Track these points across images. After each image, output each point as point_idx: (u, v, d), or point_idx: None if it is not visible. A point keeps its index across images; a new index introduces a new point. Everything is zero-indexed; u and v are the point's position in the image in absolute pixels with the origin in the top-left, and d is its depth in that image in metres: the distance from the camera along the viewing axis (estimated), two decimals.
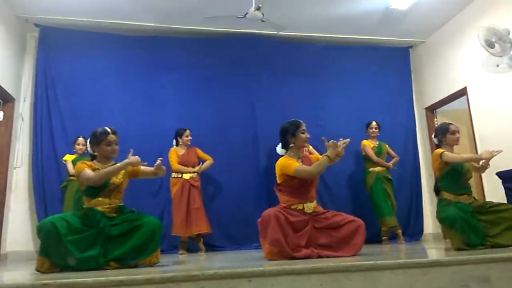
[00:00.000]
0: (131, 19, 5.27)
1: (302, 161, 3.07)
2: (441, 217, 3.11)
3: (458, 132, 3.32)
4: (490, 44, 4.51)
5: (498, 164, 3.47)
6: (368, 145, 5.15)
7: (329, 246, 2.80)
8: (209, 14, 5.00)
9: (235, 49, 5.68)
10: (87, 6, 4.91)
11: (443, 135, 3.33)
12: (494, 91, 4.85)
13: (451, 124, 3.35)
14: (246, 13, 4.66)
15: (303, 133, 3.09)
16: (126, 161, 2.77)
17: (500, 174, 4.02)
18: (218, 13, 4.99)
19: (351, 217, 2.90)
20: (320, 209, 3.03)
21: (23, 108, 5.13)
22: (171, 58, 5.52)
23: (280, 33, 5.52)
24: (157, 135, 5.19)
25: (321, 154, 5.14)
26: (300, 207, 2.95)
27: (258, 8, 4.61)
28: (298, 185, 2.97)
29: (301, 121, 3.16)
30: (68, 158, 4.67)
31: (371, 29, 5.77)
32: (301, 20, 5.47)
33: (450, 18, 5.54)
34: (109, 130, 2.85)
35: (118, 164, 2.76)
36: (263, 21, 4.78)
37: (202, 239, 4.77)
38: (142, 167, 2.98)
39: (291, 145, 3.08)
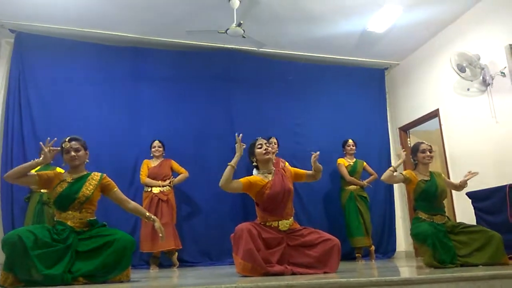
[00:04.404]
0: (112, 29, 5.22)
1: (274, 176, 3.06)
2: (414, 233, 3.17)
3: (430, 150, 3.40)
4: (461, 69, 4.70)
5: (469, 184, 3.58)
6: (343, 164, 5.20)
7: (304, 265, 2.78)
8: (191, 28, 5.02)
9: (216, 63, 5.70)
10: (67, 14, 4.84)
11: (415, 154, 3.44)
12: (465, 114, 5.03)
13: (422, 143, 3.45)
14: (228, 29, 4.70)
15: (259, 148, 3.10)
16: (38, 160, 2.66)
17: (470, 195, 4.14)
18: (200, 27, 5.02)
19: (327, 235, 2.89)
20: (297, 226, 3.02)
21: None
22: (151, 69, 5.48)
23: (260, 49, 5.59)
24: (133, 146, 5.11)
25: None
26: (274, 224, 2.94)
27: (239, 25, 4.66)
28: (268, 201, 2.96)
29: (258, 137, 3.19)
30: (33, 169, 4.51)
31: (348, 50, 5.92)
32: (281, 39, 5.57)
33: (424, 42, 5.76)
34: (66, 138, 2.80)
35: (29, 162, 2.65)
36: (244, 37, 4.84)
37: (176, 254, 4.67)
38: (117, 192, 2.86)
39: (254, 164, 3.14)
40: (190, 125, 5.42)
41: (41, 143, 2.75)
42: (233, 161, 2.93)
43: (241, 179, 2.98)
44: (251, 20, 4.93)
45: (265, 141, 3.15)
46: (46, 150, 2.71)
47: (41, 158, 2.69)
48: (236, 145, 2.98)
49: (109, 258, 2.52)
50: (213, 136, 5.45)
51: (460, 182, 3.50)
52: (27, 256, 2.33)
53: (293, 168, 3.31)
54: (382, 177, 3.38)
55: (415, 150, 3.45)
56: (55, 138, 2.79)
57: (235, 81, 5.73)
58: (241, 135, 3.00)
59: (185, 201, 5.15)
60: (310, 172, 3.18)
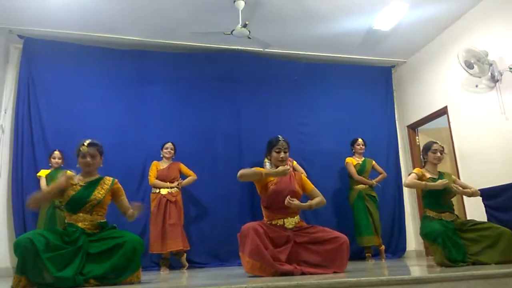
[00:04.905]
0: (118, 33, 5.26)
1: (281, 177, 3.06)
2: (425, 232, 3.15)
3: (441, 151, 3.37)
4: (469, 65, 4.65)
5: (479, 182, 3.55)
6: (351, 162, 5.17)
7: (313, 264, 2.77)
8: (197, 30, 5.04)
9: (221, 64, 5.72)
10: (74, 19, 4.89)
11: (425, 153, 3.42)
12: (474, 111, 4.98)
13: (435, 143, 3.42)
14: (233, 30, 4.71)
15: (277, 152, 3.09)
16: (54, 184, 2.70)
17: (480, 192, 4.09)
18: (206, 29, 5.04)
19: (335, 233, 2.88)
20: (304, 224, 3.02)
21: (4, 120, 5.02)
22: (157, 72, 5.51)
23: (266, 50, 5.59)
24: (140, 149, 5.14)
25: (305, 170, 5.16)
26: (280, 222, 2.94)
27: (244, 26, 4.67)
28: (272, 196, 2.97)
29: (280, 138, 3.14)
30: (42, 173, 4.58)
31: (354, 48, 5.89)
32: (286, 38, 5.56)
33: (431, 39, 5.71)
34: (85, 142, 2.81)
35: (47, 188, 2.74)
36: (249, 38, 4.84)
37: (185, 255, 4.69)
38: (124, 200, 2.88)
39: (268, 162, 3.15)
40: (197, 126, 5.43)
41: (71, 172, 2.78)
42: (268, 171, 2.95)
43: (256, 168, 3.02)
44: (256, 20, 4.94)
45: (285, 146, 3.11)
46: (68, 176, 2.72)
47: (57, 182, 2.69)
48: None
49: (119, 260, 2.54)
50: (220, 137, 5.46)
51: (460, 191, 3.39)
52: (38, 259, 2.35)
53: (305, 177, 3.26)
54: (406, 184, 3.37)
55: (426, 149, 3.43)
56: (79, 176, 2.83)
57: (241, 81, 5.74)
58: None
59: (193, 202, 5.17)
60: (315, 194, 3.13)
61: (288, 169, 2.97)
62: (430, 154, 3.38)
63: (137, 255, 2.62)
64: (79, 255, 2.52)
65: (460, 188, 3.27)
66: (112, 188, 2.84)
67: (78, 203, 2.71)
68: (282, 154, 3.07)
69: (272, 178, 3.04)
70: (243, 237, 2.79)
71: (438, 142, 3.43)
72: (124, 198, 2.89)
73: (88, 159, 2.79)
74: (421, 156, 3.51)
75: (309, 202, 3.04)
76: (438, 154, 3.35)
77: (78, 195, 2.72)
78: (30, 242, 2.36)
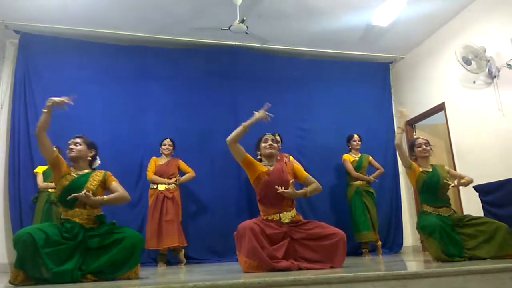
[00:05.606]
0: (116, 28, 5.24)
1: (274, 166, 3.11)
2: (421, 225, 3.16)
3: (426, 144, 3.42)
4: (467, 61, 4.66)
5: (476, 177, 3.56)
6: (348, 159, 5.18)
7: (310, 260, 2.78)
8: (195, 25, 5.03)
9: (219, 60, 5.70)
10: (71, 14, 4.86)
11: (412, 150, 3.47)
12: (471, 107, 4.99)
13: (418, 138, 3.50)
14: (231, 26, 4.70)
15: (265, 142, 3.19)
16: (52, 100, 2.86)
17: (477, 188, 4.11)
18: (204, 25, 5.03)
19: (332, 229, 2.89)
20: (300, 218, 3.02)
21: (0, 116, 5.00)
22: (155, 68, 5.49)
23: (264, 45, 5.58)
24: (139, 145, 5.13)
25: (303, 166, 5.18)
26: (276, 217, 2.95)
27: (242, 21, 4.66)
28: (265, 188, 2.98)
29: (266, 133, 3.28)
30: (39, 170, 4.57)
31: (352, 44, 5.89)
32: (284, 34, 5.55)
33: (429, 35, 5.72)
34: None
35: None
36: (247, 33, 4.83)
37: (182, 251, 4.69)
38: (113, 184, 2.88)
39: (258, 157, 3.22)
40: (195, 122, 5.42)
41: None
42: (247, 122, 3.04)
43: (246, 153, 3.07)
44: (254, 16, 4.93)
45: (272, 137, 3.21)
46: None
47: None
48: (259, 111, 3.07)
49: (118, 255, 2.55)
50: (218, 133, 5.43)
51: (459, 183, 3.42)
52: (37, 254, 2.35)
53: (297, 165, 3.30)
54: (395, 141, 3.40)
55: (412, 146, 3.49)
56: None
57: (239, 77, 5.72)
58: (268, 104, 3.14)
59: (191, 198, 5.17)
60: (310, 181, 3.15)
61: (265, 112, 3.10)
62: (416, 149, 3.44)
63: (136, 250, 2.62)
64: (78, 250, 2.53)
65: (455, 182, 3.28)
66: (103, 179, 2.86)
67: (71, 194, 2.68)
68: (269, 142, 3.17)
69: (264, 169, 3.05)
70: (239, 237, 2.79)
71: (420, 137, 3.48)
72: (114, 184, 2.88)
73: (71, 146, 2.86)
74: (410, 155, 3.54)
75: (304, 189, 3.07)
76: (423, 146, 3.40)
77: (70, 185, 2.73)
78: (30, 237, 2.36)
